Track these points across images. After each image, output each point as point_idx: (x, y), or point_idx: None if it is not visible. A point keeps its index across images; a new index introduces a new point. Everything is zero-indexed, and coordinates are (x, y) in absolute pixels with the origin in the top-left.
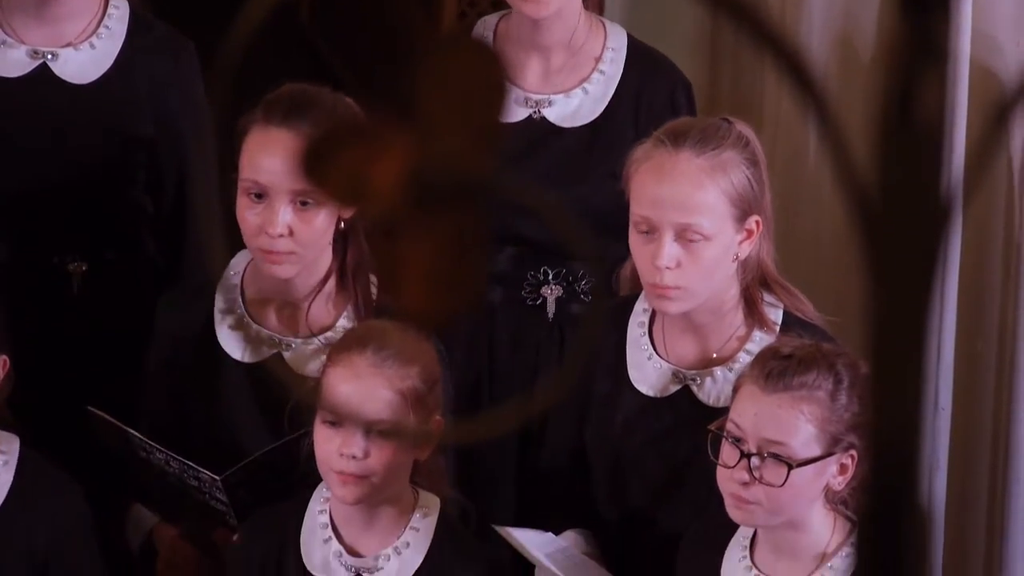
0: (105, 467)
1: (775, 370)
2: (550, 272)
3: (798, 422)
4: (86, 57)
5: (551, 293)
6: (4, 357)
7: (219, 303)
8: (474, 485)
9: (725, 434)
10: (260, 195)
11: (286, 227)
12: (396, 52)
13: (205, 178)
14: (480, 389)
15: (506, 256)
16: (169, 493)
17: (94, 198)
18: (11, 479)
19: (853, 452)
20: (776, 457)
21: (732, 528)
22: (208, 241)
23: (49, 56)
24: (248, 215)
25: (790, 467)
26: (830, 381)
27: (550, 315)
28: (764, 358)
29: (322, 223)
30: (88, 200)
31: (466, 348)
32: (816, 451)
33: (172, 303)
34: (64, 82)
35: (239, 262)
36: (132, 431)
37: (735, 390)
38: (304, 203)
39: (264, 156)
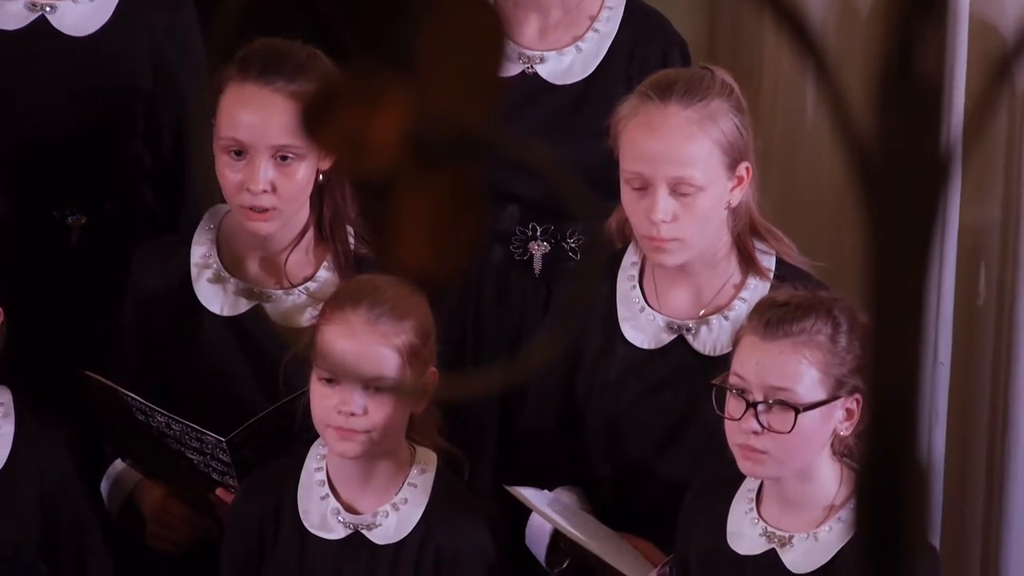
0: (93, 428)
1: (774, 318)
2: (538, 228)
3: (800, 366)
4: (84, 9)
5: (538, 249)
6: None
7: (195, 258)
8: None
9: (729, 387)
10: (240, 152)
11: (268, 183)
12: (396, 7)
13: (202, 129)
14: (464, 343)
15: (501, 213)
16: (165, 455)
17: (93, 151)
18: (12, 429)
19: (858, 396)
20: (783, 403)
21: (737, 481)
22: (204, 192)
23: (47, 8)
24: (228, 172)
25: (797, 411)
26: (829, 326)
27: (537, 271)
28: (761, 308)
29: (303, 177)
30: (87, 153)
31: (452, 302)
32: (821, 395)
33: (147, 258)
34: (62, 34)
35: (215, 216)
36: (130, 394)
37: (734, 343)
38: (284, 158)
39: (242, 112)
